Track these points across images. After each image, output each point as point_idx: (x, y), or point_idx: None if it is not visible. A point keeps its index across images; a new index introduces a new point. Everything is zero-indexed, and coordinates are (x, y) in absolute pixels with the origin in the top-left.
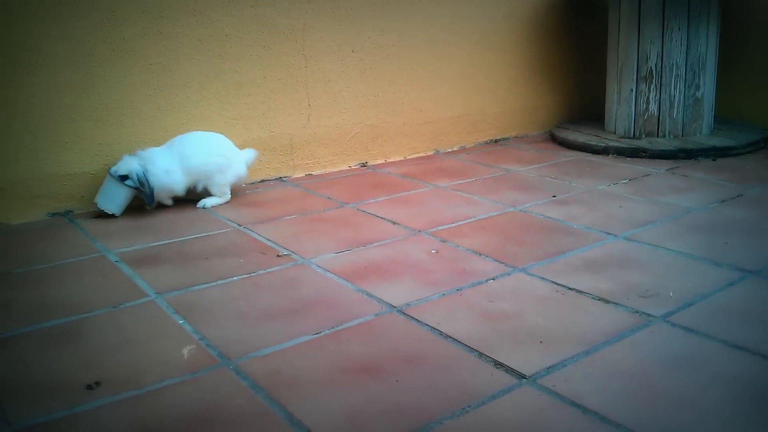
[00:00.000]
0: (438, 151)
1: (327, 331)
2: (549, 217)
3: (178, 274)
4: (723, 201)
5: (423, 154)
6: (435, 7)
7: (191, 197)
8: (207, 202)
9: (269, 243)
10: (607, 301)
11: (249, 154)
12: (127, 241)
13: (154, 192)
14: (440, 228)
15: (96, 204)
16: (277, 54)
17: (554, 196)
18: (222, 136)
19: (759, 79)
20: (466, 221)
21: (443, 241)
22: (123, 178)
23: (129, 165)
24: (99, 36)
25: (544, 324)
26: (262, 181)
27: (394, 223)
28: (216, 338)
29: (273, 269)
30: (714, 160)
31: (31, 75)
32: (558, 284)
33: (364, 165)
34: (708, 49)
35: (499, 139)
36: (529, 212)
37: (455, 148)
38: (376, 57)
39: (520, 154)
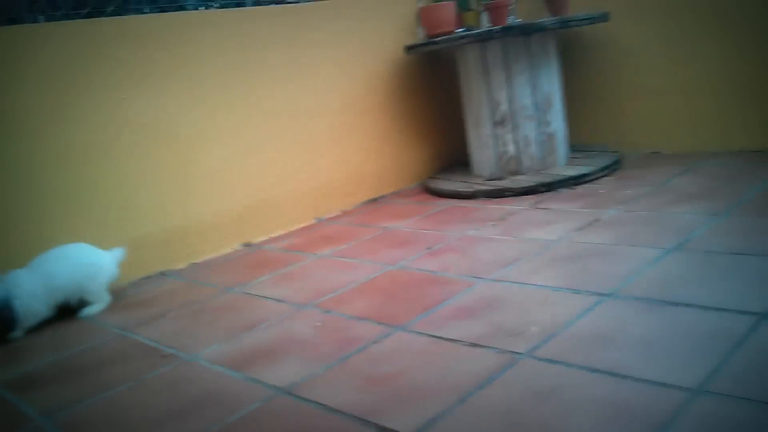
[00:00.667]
0: (320, 219)
1: (215, 429)
2: (424, 270)
3: (64, 393)
4: (581, 228)
5: (305, 224)
6: (298, 80)
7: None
8: (89, 311)
9: (153, 344)
10: (477, 346)
11: (116, 253)
12: (6, 368)
13: (21, 318)
14: (324, 298)
15: None
16: (151, 149)
17: (428, 248)
18: (83, 244)
19: (602, 105)
20: (348, 287)
21: (327, 311)
22: None
23: None
24: None
25: (424, 379)
26: (145, 278)
27: (279, 300)
28: None
29: (159, 371)
30: (572, 188)
31: None
32: (434, 336)
33: (247, 245)
34: (552, 87)
35: (378, 198)
36: (406, 268)
37: (336, 213)
38: (251, 139)
39: (396, 210)
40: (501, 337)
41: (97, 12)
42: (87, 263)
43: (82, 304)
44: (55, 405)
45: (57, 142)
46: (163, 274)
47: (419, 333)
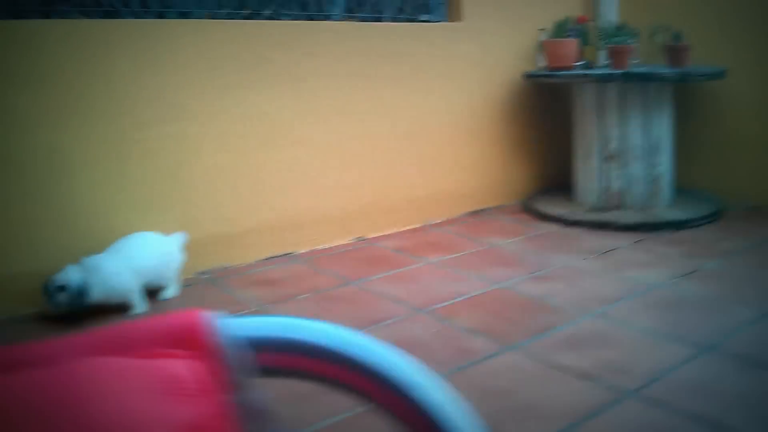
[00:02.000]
0: (426, 223)
1: (348, 415)
2: (530, 294)
3: None
4: (683, 276)
5: (413, 227)
6: (419, 98)
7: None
8: (166, 294)
9: None
10: (586, 378)
11: (180, 238)
12: None
13: (98, 299)
14: (437, 306)
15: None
16: (287, 146)
17: (533, 273)
18: (152, 232)
19: (710, 153)
20: (458, 299)
21: (442, 320)
22: (60, 288)
23: (68, 276)
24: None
25: (537, 400)
26: (272, 257)
27: (396, 301)
28: None
29: None
30: (674, 232)
31: (60, 176)
32: (545, 361)
33: (361, 239)
34: (662, 131)
35: (480, 210)
36: (512, 289)
37: (441, 220)
38: (373, 145)
39: (499, 226)
40: (608, 374)
41: (255, 14)
42: (165, 250)
43: (158, 289)
44: None
45: (202, 128)
46: (287, 255)
47: (530, 355)
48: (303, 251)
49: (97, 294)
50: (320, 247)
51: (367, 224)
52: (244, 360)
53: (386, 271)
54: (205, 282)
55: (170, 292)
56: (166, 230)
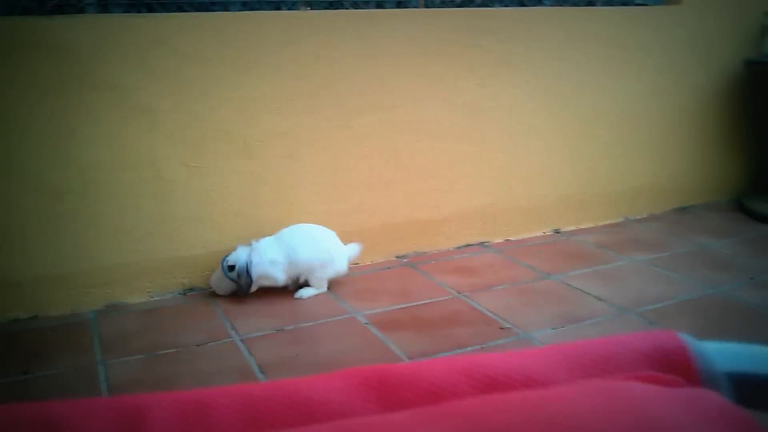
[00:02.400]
0: (627, 218)
1: None
2: (752, 303)
3: (421, 340)
4: None
5: (612, 222)
6: (627, 86)
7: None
8: (304, 293)
9: (489, 314)
10: None
11: (353, 249)
12: (373, 304)
13: (254, 280)
14: (645, 308)
15: (210, 284)
16: (489, 134)
17: (752, 278)
18: (331, 231)
19: None
20: (668, 302)
21: (650, 323)
22: (231, 268)
23: (238, 256)
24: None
25: None
26: (467, 245)
27: (599, 299)
28: None
29: (499, 342)
30: None
31: (289, 158)
32: None
33: (557, 232)
34: None
35: (686, 207)
36: (729, 295)
37: (644, 216)
38: (574, 134)
39: (708, 225)
40: None
41: (467, 2)
42: (326, 250)
43: (304, 284)
44: (415, 351)
45: (413, 116)
46: (482, 244)
47: None
48: (497, 241)
49: (253, 275)
50: (514, 238)
51: (562, 217)
52: (725, 392)
53: (586, 267)
54: (403, 266)
55: (308, 292)
56: (373, 215)
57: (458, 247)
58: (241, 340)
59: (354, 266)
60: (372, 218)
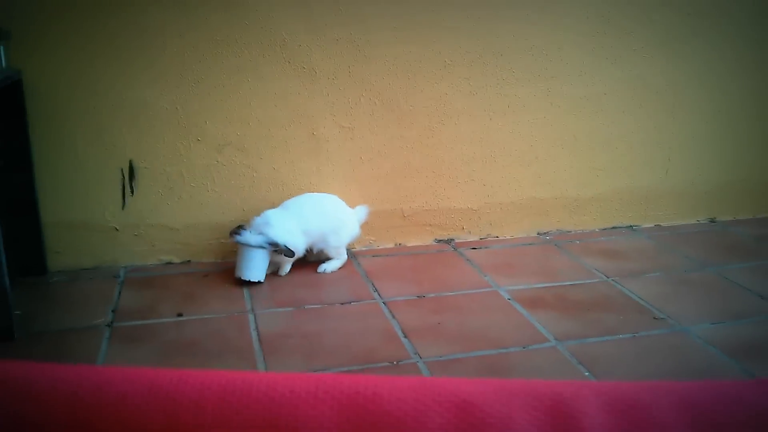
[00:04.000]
0: None
1: None
2: None
3: (567, 323)
4: None
5: None
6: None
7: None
8: (327, 266)
9: (641, 301)
10: None
11: (361, 212)
12: (516, 279)
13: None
14: None
15: (240, 276)
16: (649, 113)
17: None
18: (335, 196)
19: None
20: None
21: None
22: (273, 245)
23: (252, 236)
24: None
25: None
26: (613, 228)
27: (762, 298)
28: None
29: (653, 332)
30: None
31: (440, 125)
32: None
33: (712, 221)
34: None
35: None
36: None
37: None
38: (742, 117)
39: None
40: None
41: None
42: (335, 216)
43: (320, 255)
44: (562, 332)
45: (572, 89)
46: (630, 227)
47: None
48: (647, 225)
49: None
50: (665, 224)
51: (718, 205)
52: None
53: (745, 260)
54: (545, 243)
55: (331, 265)
56: (518, 188)
57: (604, 229)
58: (384, 303)
59: (493, 239)
60: (516, 192)
